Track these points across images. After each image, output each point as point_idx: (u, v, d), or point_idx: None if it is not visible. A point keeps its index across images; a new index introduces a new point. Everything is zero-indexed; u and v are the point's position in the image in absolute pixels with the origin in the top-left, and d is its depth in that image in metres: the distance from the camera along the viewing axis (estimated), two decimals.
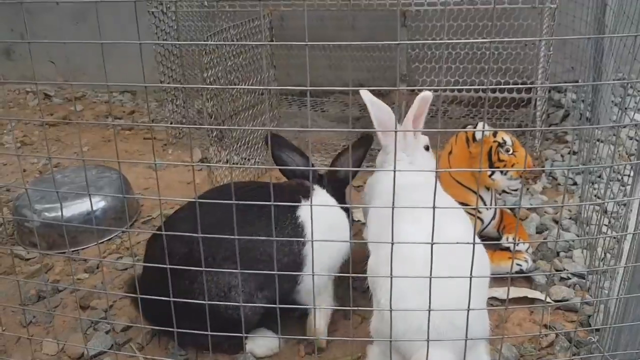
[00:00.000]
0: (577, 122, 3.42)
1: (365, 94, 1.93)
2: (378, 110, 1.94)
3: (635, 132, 2.80)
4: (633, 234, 1.15)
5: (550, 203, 2.71)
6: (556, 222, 2.52)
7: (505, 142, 2.24)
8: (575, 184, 2.83)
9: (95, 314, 2.16)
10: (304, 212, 1.91)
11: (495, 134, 2.27)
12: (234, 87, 2.72)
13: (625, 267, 1.18)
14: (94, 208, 2.60)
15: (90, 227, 2.40)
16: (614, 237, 2.23)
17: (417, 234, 1.42)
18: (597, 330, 1.88)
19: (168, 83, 3.23)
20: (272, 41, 2.94)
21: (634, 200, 1.20)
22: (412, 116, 1.92)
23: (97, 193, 2.55)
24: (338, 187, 2.13)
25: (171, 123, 3.42)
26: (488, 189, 2.33)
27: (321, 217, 1.55)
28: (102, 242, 2.63)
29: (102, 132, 3.78)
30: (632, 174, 1.23)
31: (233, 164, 2.92)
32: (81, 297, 2.26)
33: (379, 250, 1.63)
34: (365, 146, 2.11)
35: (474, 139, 2.26)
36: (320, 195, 2.06)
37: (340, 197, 2.11)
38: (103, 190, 2.65)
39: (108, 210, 2.65)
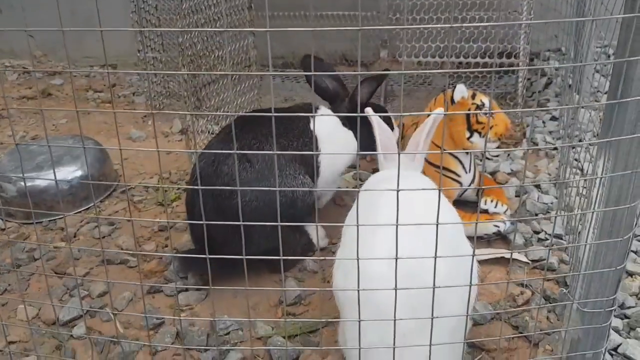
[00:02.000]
0: (559, 90, 3.41)
1: (374, 118, 1.88)
2: (383, 133, 1.89)
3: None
4: (600, 177, 1.14)
5: (530, 168, 2.71)
6: (536, 186, 2.52)
7: (483, 104, 2.23)
8: (555, 148, 2.83)
9: (70, 280, 2.14)
10: (314, 127, 2.19)
11: (474, 96, 2.25)
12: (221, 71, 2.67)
13: (594, 211, 1.17)
14: (70, 177, 2.57)
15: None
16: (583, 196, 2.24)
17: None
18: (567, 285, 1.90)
19: (147, 53, 3.18)
20: (251, 6, 2.89)
21: (602, 148, 1.19)
22: (423, 137, 1.84)
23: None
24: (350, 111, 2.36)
25: (152, 95, 3.37)
26: (467, 153, 2.32)
27: (326, 129, 2.15)
28: (80, 212, 2.61)
29: (81, 104, 3.73)
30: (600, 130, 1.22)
31: (210, 133, 2.89)
32: (57, 264, 2.25)
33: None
34: (378, 81, 2.30)
35: (452, 101, 2.25)
36: (325, 112, 2.33)
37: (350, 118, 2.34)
38: (80, 159, 2.61)
39: (86, 179, 2.62)
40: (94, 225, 2.48)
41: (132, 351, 1.80)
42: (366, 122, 2.16)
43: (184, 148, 2.91)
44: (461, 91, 2.22)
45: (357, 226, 1.18)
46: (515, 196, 2.47)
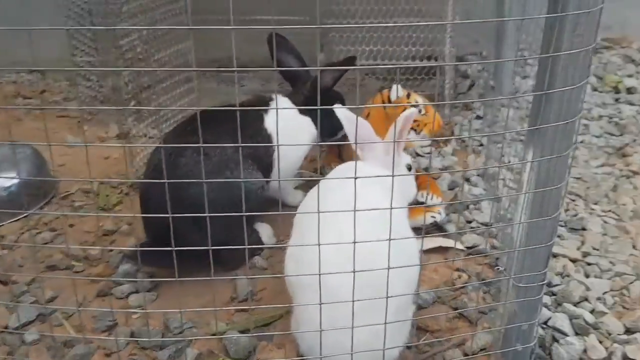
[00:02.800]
0: (482, 91, 3.63)
1: (339, 111, 1.87)
2: (360, 128, 1.81)
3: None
4: (531, 161, 1.28)
5: (460, 163, 2.89)
6: (467, 179, 2.70)
7: (417, 102, 2.37)
8: (481, 145, 3.03)
9: (17, 287, 2.11)
10: (268, 123, 2.24)
11: (408, 96, 2.39)
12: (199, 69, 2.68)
13: (526, 193, 1.32)
14: (8, 184, 2.51)
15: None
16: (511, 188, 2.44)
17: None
18: (505, 269, 2.06)
19: (81, 57, 3.13)
20: (186, 10, 2.92)
21: (531, 137, 1.34)
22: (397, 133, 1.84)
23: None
24: (314, 98, 2.38)
25: (85, 100, 3.32)
26: (404, 149, 2.46)
27: (283, 124, 1.91)
28: (19, 219, 2.55)
29: (11, 111, 3.61)
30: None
31: (150, 137, 2.89)
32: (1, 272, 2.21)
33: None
34: (346, 64, 2.32)
35: (389, 100, 2.38)
36: (282, 103, 2.36)
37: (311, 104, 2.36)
38: (18, 165, 2.56)
39: (24, 186, 2.57)
40: (36, 232, 2.44)
41: (88, 353, 1.80)
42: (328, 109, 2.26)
43: (123, 153, 2.90)
44: (397, 91, 2.36)
45: (318, 213, 1.27)
46: (449, 189, 2.63)
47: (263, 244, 2.33)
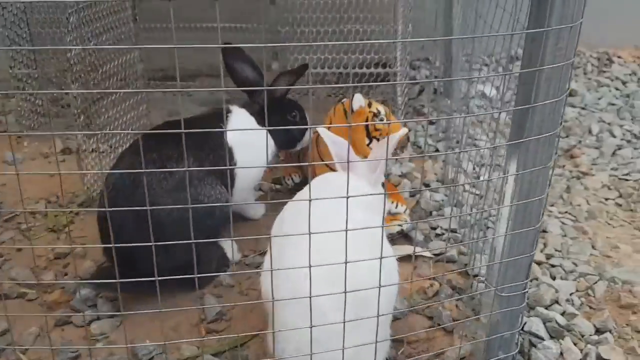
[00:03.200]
0: (432, 96, 3.69)
1: (324, 133, 1.85)
2: (339, 148, 1.83)
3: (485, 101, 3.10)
4: (516, 175, 1.29)
5: (417, 169, 2.91)
6: (425, 185, 2.72)
7: (379, 112, 2.37)
8: (437, 150, 3.07)
9: None
10: (228, 137, 2.16)
11: (370, 105, 2.38)
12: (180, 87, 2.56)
13: (510, 205, 1.32)
14: None
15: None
16: (477, 194, 2.48)
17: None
18: (475, 275, 2.09)
19: (19, 69, 2.96)
20: (136, 19, 2.81)
21: (513, 149, 1.35)
22: (384, 152, 1.79)
23: None
24: (271, 108, 2.38)
25: (25, 114, 3.14)
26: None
27: (243, 137, 2.16)
28: None
29: None
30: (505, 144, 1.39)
31: (101, 152, 2.77)
32: None
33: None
34: (297, 74, 2.33)
35: (352, 110, 2.36)
36: (239, 116, 2.32)
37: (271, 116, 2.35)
38: None
39: None
40: None
41: None
42: (284, 116, 2.29)
43: (74, 168, 2.75)
44: (359, 100, 2.35)
45: (309, 232, 1.23)
46: (410, 196, 2.65)
47: (229, 260, 2.26)
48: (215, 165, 2.14)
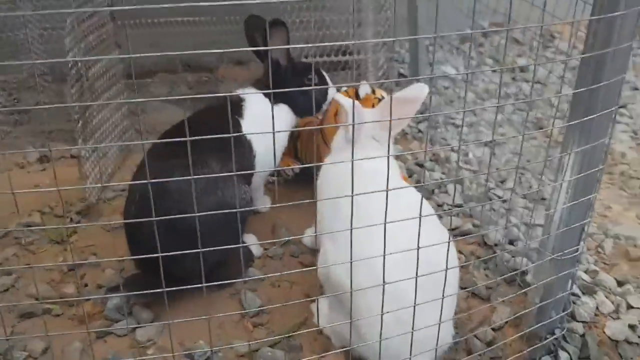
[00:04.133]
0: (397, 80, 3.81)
1: (339, 98, 1.86)
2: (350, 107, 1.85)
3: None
4: (577, 151, 1.41)
5: (405, 150, 3.02)
6: (419, 165, 2.83)
7: (383, 97, 2.45)
8: (420, 131, 3.19)
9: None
10: (245, 128, 2.16)
11: (374, 91, 2.46)
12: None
13: (570, 180, 1.45)
14: None
15: None
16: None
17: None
18: (496, 245, 2.23)
19: None
20: (114, 17, 2.71)
21: (573, 129, 1.47)
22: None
23: None
24: (285, 78, 2.30)
25: None
26: None
27: (262, 121, 2.12)
28: None
29: None
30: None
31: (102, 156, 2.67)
32: None
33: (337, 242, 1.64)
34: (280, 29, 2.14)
35: (357, 96, 2.42)
36: (254, 102, 2.23)
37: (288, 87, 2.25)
38: None
39: None
40: None
41: None
42: (300, 82, 2.26)
43: (60, 175, 2.64)
44: (365, 89, 2.42)
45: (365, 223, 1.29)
46: (409, 176, 2.75)
47: (253, 255, 2.28)
48: (237, 164, 2.11)
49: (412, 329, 1.42)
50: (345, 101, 1.89)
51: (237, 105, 2.24)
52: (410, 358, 1.50)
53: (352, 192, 1.27)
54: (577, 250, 1.62)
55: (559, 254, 1.59)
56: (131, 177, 2.09)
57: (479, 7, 3.20)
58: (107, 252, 2.30)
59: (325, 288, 1.89)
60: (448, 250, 1.39)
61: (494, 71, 3.97)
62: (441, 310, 1.45)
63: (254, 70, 3.98)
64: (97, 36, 2.56)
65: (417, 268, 1.36)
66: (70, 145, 2.95)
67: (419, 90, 1.85)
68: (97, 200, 2.52)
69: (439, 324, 1.46)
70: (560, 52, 4.13)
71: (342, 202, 1.60)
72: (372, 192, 1.28)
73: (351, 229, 1.32)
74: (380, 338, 1.43)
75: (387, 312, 1.41)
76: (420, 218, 1.30)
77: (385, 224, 1.30)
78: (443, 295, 1.41)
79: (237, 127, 2.18)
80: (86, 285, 2.17)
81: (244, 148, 2.17)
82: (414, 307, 1.40)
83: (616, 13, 1.26)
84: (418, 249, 1.33)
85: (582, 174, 1.48)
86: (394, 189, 1.27)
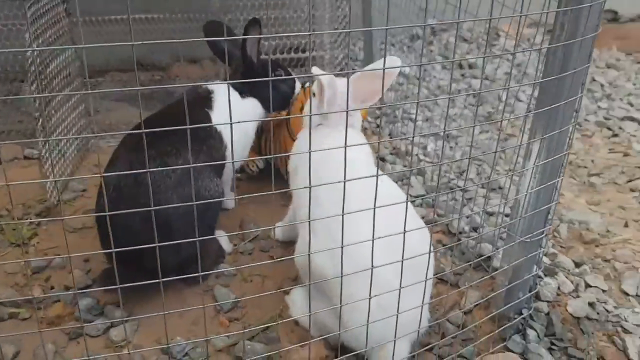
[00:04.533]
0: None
1: (323, 78, 1.85)
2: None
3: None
4: (540, 139, 1.50)
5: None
6: (381, 159, 2.90)
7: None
8: (378, 126, 3.26)
9: None
10: (215, 119, 2.17)
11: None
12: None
13: (537, 165, 1.53)
14: None
15: None
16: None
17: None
18: (460, 232, 2.32)
19: None
20: (70, 13, 2.65)
21: (538, 119, 1.55)
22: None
23: None
24: (253, 74, 2.29)
25: None
26: None
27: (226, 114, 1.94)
28: None
29: None
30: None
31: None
32: None
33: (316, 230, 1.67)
34: (253, 30, 2.16)
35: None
36: (223, 94, 2.21)
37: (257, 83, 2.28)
38: None
39: None
40: None
41: None
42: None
43: (35, 175, 2.57)
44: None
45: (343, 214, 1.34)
46: None
47: (224, 251, 2.28)
48: (209, 156, 2.11)
49: (397, 312, 1.47)
50: (324, 77, 1.89)
51: (207, 98, 2.24)
52: (394, 341, 1.55)
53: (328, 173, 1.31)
54: (543, 232, 1.71)
55: (528, 236, 1.68)
56: (103, 170, 2.05)
57: (429, 6, 3.32)
58: (71, 253, 2.24)
59: (302, 278, 1.91)
60: (431, 237, 1.45)
61: (444, 68, 4.10)
62: (424, 293, 1.50)
63: (207, 68, 3.97)
64: (54, 32, 2.50)
65: (402, 254, 1.40)
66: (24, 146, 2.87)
67: (391, 62, 1.85)
68: (58, 201, 2.45)
69: (422, 307, 1.51)
70: (505, 50, 4.29)
71: (320, 188, 1.63)
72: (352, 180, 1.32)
73: (342, 216, 1.35)
74: (368, 322, 1.47)
75: (372, 297, 1.44)
76: (407, 203, 1.34)
77: (370, 210, 1.34)
78: (426, 278, 1.46)
79: (207, 118, 2.18)
80: (52, 287, 2.12)
81: (215, 140, 2.17)
82: (399, 291, 1.44)
83: (583, 5, 1.35)
84: (404, 234, 1.37)
85: (550, 159, 1.57)
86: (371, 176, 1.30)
